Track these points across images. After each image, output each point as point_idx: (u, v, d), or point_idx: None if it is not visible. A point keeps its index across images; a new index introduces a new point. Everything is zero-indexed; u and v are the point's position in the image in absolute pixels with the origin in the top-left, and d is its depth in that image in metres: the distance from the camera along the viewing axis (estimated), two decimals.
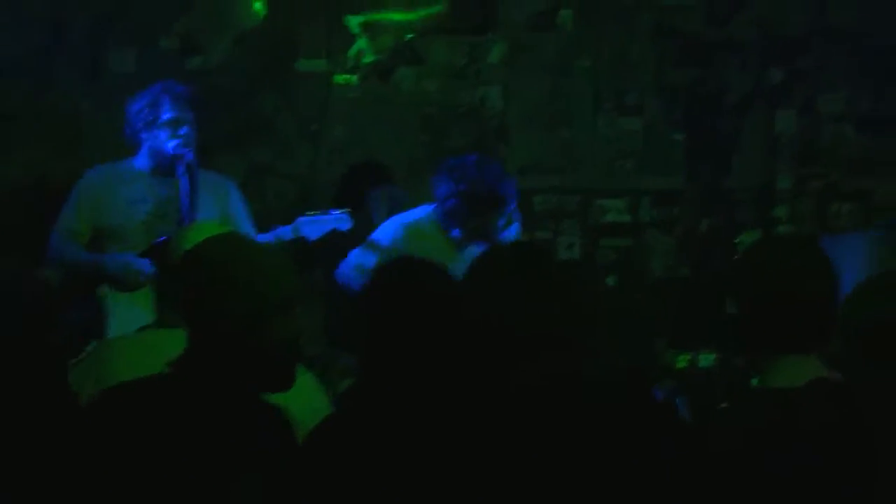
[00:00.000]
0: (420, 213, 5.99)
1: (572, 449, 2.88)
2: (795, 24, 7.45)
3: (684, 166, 7.48)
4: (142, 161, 5.93)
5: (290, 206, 7.05)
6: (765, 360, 3.09)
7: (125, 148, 6.07)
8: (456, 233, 5.81)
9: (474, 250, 5.73)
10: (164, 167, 5.86)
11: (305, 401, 3.38)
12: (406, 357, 3.03)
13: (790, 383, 3.00)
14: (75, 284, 5.80)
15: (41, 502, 3.12)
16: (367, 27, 7.18)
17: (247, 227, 6.06)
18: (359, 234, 6.27)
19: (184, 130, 5.79)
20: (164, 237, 5.15)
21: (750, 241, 7.22)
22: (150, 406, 3.00)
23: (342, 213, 5.99)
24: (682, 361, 6.83)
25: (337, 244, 6.28)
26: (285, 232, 5.94)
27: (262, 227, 6.12)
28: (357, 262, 5.96)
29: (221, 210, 6.01)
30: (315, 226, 5.94)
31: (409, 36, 7.25)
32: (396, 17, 7.15)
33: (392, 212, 6.65)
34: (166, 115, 5.79)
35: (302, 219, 5.96)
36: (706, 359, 6.75)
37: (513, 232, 5.89)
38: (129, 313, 5.55)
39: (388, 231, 5.98)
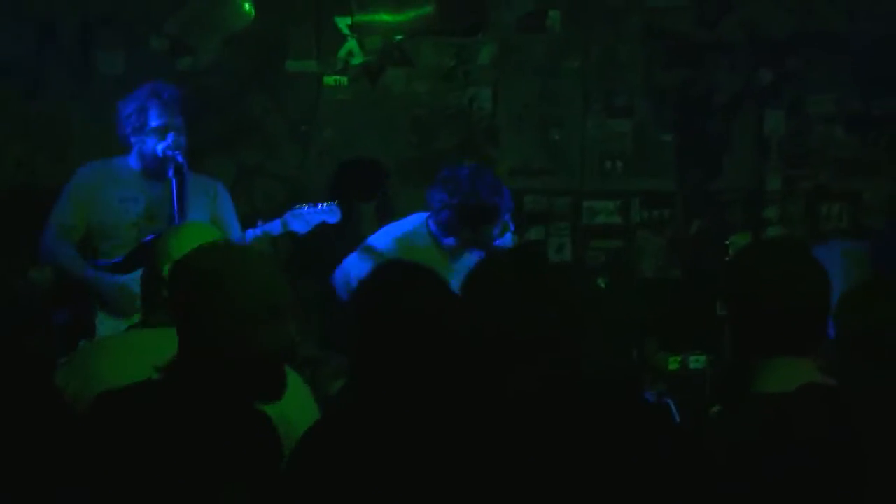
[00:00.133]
0: (414, 221, 6.00)
1: (567, 452, 2.87)
2: (784, 26, 7.46)
3: (674, 168, 7.49)
4: (134, 161, 5.94)
5: (279, 206, 7.04)
6: (757, 363, 3.09)
7: (114, 149, 6.07)
8: (450, 241, 5.82)
9: (468, 259, 5.75)
10: (154, 169, 5.86)
11: (295, 403, 3.37)
12: (397, 361, 3.02)
13: (782, 387, 3.01)
14: (68, 283, 5.82)
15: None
16: (356, 28, 7.18)
17: (234, 229, 6.08)
18: (348, 238, 6.29)
19: (171, 137, 5.78)
20: (151, 236, 5.17)
21: (740, 242, 7.26)
22: (139, 413, 3.00)
23: (330, 205, 5.99)
24: (673, 363, 6.83)
25: (330, 247, 6.30)
26: (275, 226, 5.94)
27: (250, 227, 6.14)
28: (350, 270, 5.96)
29: (210, 211, 6.03)
30: (304, 219, 5.94)
31: (399, 37, 7.25)
32: (386, 18, 7.15)
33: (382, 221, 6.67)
34: (154, 123, 5.80)
35: (291, 212, 5.95)
36: (697, 360, 6.76)
37: (507, 240, 5.90)
38: (109, 327, 5.59)
39: (382, 239, 5.98)
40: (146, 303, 3.84)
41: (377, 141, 7.30)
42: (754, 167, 7.52)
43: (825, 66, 7.47)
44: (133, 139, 5.87)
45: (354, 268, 5.95)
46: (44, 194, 6.36)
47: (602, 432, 2.90)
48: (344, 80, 7.23)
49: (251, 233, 5.93)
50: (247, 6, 7.14)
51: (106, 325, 5.68)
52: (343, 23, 7.18)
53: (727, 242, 7.30)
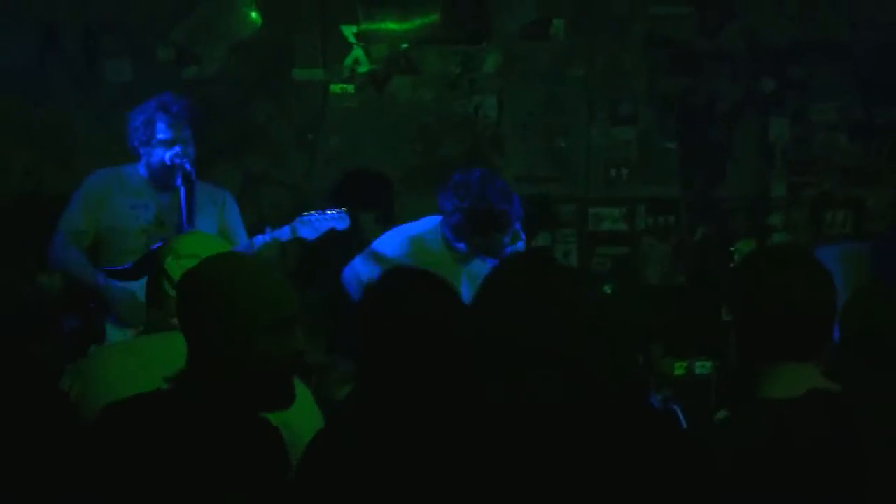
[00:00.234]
0: (426, 225, 6.00)
1: (574, 457, 2.87)
2: (786, 34, 7.48)
3: (679, 175, 7.51)
4: (143, 169, 5.96)
5: (285, 214, 7.05)
6: (762, 369, 3.10)
7: (120, 157, 6.09)
8: (460, 246, 5.82)
9: (480, 265, 5.76)
10: (163, 178, 5.88)
11: (297, 410, 3.38)
12: (402, 367, 3.03)
13: (787, 393, 3.02)
14: (77, 289, 5.83)
15: None
16: (362, 37, 7.19)
17: (242, 237, 6.10)
18: (351, 245, 6.29)
19: (178, 149, 5.79)
20: (160, 244, 5.17)
21: (745, 248, 7.27)
22: (147, 423, 3.01)
23: (339, 212, 6.00)
24: (678, 369, 6.84)
25: (335, 254, 6.30)
26: (284, 233, 5.96)
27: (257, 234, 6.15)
28: (359, 272, 5.96)
29: (218, 220, 6.06)
30: (313, 226, 5.96)
31: (405, 46, 7.26)
32: (392, 26, 7.15)
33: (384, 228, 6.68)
34: (161, 136, 5.81)
35: (300, 219, 5.97)
36: (703, 366, 6.77)
37: (519, 247, 5.90)
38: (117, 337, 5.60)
39: (393, 241, 5.98)
40: (149, 298, 3.84)
41: (383, 148, 7.31)
42: (758, 174, 7.53)
43: (828, 75, 7.48)
44: (141, 150, 5.90)
45: (362, 268, 5.95)
46: (50, 202, 6.39)
47: (608, 438, 2.89)
48: (350, 88, 7.25)
49: (260, 239, 5.94)
50: (253, 14, 7.15)
51: (114, 335, 5.69)
52: (349, 31, 7.19)
53: (732, 249, 7.32)
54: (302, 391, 3.66)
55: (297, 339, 3.08)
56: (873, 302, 3.32)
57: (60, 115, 7.10)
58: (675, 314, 7.20)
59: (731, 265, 7.09)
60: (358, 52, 7.22)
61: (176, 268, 3.67)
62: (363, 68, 7.24)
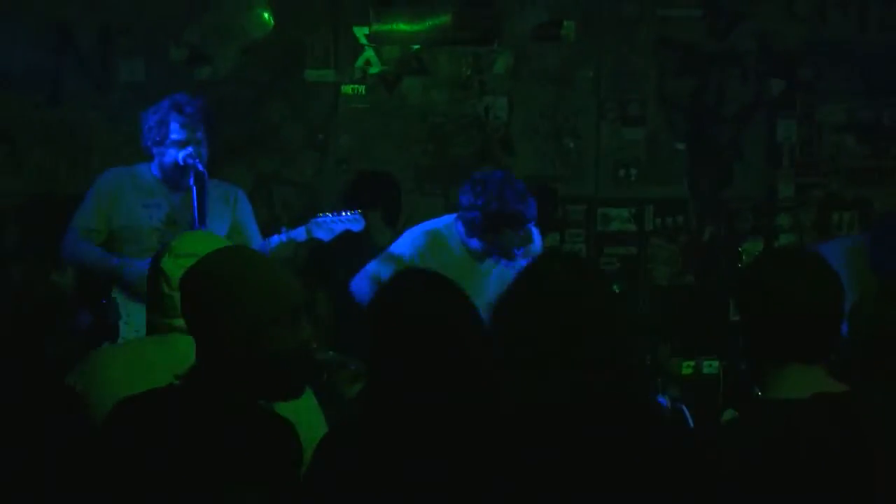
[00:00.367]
0: (445, 220, 6.03)
1: (585, 456, 2.88)
2: (795, 36, 7.52)
3: (687, 175, 7.54)
4: (155, 169, 5.94)
5: (297, 213, 7.08)
6: (770, 370, 3.11)
7: (134, 156, 6.09)
8: (474, 243, 5.84)
9: (491, 263, 5.79)
10: (175, 179, 5.86)
11: (295, 405, 3.35)
12: (411, 368, 3.00)
13: (795, 394, 3.02)
14: (90, 286, 5.81)
15: None
16: (374, 38, 7.21)
17: (255, 235, 6.09)
18: (359, 245, 6.31)
19: (191, 149, 5.77)
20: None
21: (753, 249, 7.28)
22: (160, 417, 3.02)
23: (354, 213, 6.04)
24: (686, 368, 6.84)
25: (349, 252, 6.32)
26: (299, 233, 5.97)
27: (270, 235, 6.16)
28: (374, 272, 5.98)
29: (231, 218, 6.04)
30: (327, 227, 5.97)
31: (416, 47, 7.28)
32: (403, 28, 7.17)
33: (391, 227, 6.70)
34: (174, 136, 5.79)
35: (315, 220, 5.99)
36: (710, 365, 6.77)
37: (537, 246, 5.93)
38: (140, 316, 5.57)
39: (409, 238, 6.00)
40: (148, 299, 3.79)
41: (394, 149, 7.34)
42: (766, 175, 7.57)
43: (836, 76, 7.52)
44: (154, 150, 5.87)
45: (377, 268, 5.97)
46: (65, 201, 6.38)
47: (617, 437, 2.90)
48: (361, 88, 7.28)
49: (276, 239, 5.96)
50: (266, 16, 7.17)
51: (134, 312, 5.66)
52: (361, 33, 7.22)
53: (739, 249, 7.33)
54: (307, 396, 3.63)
55: (304, 330, 3.08)
56: (882, 303, 3.30)
57: (75, 114, 7.11)
58: (682, 314, 7.22)
59: (740, 267, 7.10)
60: (369, 53, 7.25)
61: (173, 267, 3.65)
62: (374, 69, 7.28)
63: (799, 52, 7.52)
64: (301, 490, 3.03)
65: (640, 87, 7.50)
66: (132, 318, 5.58)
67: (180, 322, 3.54)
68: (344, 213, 6.01)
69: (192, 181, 5.73)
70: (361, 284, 6.00)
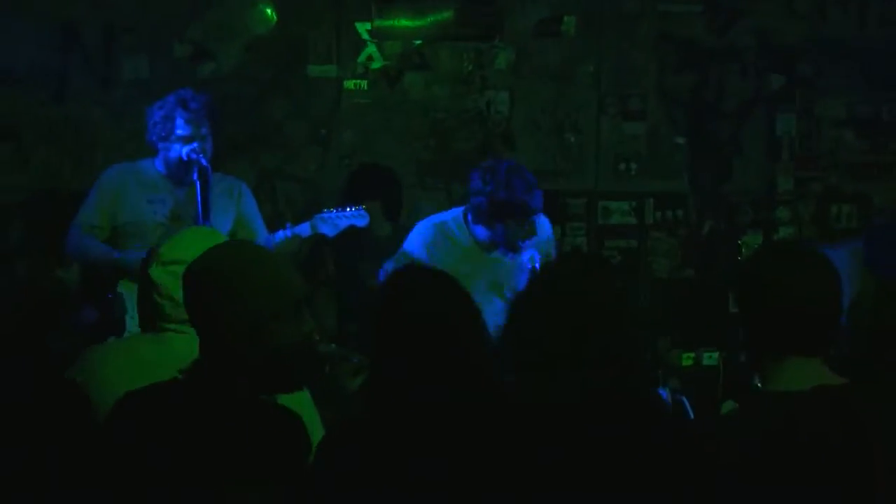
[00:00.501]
0: (451, 214, 6.02)
1: (585, 448, 2.91)
2: (794, 32, 7.55)
3: (687, 169, 7.57)
4: (159, 164, 5.95)
5: (299, 209, 7.13)
6: (769, 363, 3.12)
7: (138, 153, 6.09)
8: (481, 233, 5.85)
9: (498, 256, 5.81)
10: (179, 174, 5.88)
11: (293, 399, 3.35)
12: (409, 364, 3.02)
13: (793, 386, 3.04)
14: (95, 281, 5.81)
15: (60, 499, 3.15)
16: (376, 34, 7.23)
17: (261, 228, 6.11)
18: (360, 238, 6.33)
19: (196, 145, 5.78)
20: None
21: (752, 242, 7.30)
22: (165, 411, 3.04)
23: (358, 209, 6.06)
24: (686, 360, 6.85)
25: (350, 245, 6.33)
26: (303, 229, 5.97)
27: (274, 230, 6.18)
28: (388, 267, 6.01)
29: (235, 211, 6.05)
30: (332, 222, 5.99)
31: (418, 42, 7.30)
32: (405, 23, 7.19)
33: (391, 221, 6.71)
34: (179, 132, 5.79)
35: (319, 216, 6.01)
36: (710, 357, 6.78)
37: (546, 237, 5.96)
38: None
39: (416, 232, 6.00)
40: (139, 304, 3.78)
41: (396, 144, 7.36)
42: (765, 169, 7.60)
43: (835, 72, 7.55)
44: (159, 145, 5.88)
45: (392, 264, 5.99)
46: (69, 197, 6.39)
47: (619, 433, 2.92)
48: (364, 84, 7.30)
49: (280, 234, 5.98)
50: (269, 12, 7.18)
51: (133, 325, 5.67)
52: (363, 28, 7.23)
53: (739, 242, 7.37)
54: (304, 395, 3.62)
55: (307, 323, 3.10)
56: (881, 297, 3.30)
57: (79, 111, 7.13)
58: (682, 306, 7.23)
59: (739, 259, 7.12)
60: (371, 48, 7.27)
61: (163, 275, 3.66)
62: (377, 65, 7.30)
63: (798, 48, 7.55)
64: (305, 485, 3.03)
65: (641, 82, 7.52)
66: (130, 327, 5.60)
67: (174, 325, 3.59)
68: (348, 209, 6.03)
69: (195, 176, 5.74)
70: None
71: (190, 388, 3.07)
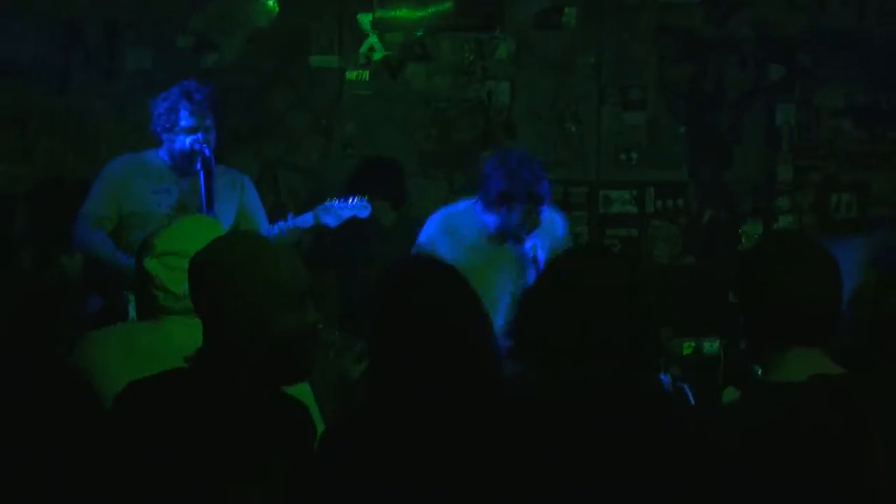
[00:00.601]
0: (462, 205, 6.05)
1: (595, 446, 2.90)
2: (793, 23, 7.56)
3: (687, 159, 7.59)
4: (165, 155, 5.98)
5: (302, 199, 7.15)
6: (769, 354, 3.13)
7: (142, 144, 6.12)
8: (488, 220, 5.87)
9: (506, 248, 5.83)
10: (184, 165, 5.91)
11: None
12: (409, 356, 3.00)
13: (793, 377, 3.04)
14: (100, 270, 5.86)
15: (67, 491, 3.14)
16: (377, 25, 7.24)
17: (262, 221, 6.14)
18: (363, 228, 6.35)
19: (200, 136, 5.82)
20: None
21: (752, 230, 7.32)
22: (171, 400, 3.04)
23: (361, 200, 6.09)
24: (687, 348, 6.86)
25: (354, 235, 6.35)
26: (306, 219, 6.03)
27: (276, 220, 6.19)
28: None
29: (238, 204, 6.09)
30: (335, 213, 6.03)
31: (419, 33, 7.31)
32: (406, 14, 7.20)
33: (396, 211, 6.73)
34: (183, 123, 5.84)
35: (322, 206, 6.05)
36: (711, 345, 6.79)
37: (561, 230, 5.99)
38: None
39: (428, 223, 6.04)
40: (136, 294, 3.80)
41: (397, 134, 7.37)
42: (765, 158, 7.62)
43: (834, 62, 7.56)
44: (164, 137, 5.92)
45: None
46: (73, 186, 6.44)
47: (624, 426, 2.92)
48: (365, 74, 7.30)
49: (282, 224, 6.01)
50: (271, 3, 7.20)
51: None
52: (365, 19, 7.25)
53: (739, 231, 7.39)
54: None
55: (310, 314, 3.11)
56: (883, 288, 3.30)
57: (83, 102, 7.13)
58: (683, 294, 7.25)
59: (739, 254, 7.13)
60: (373, 39, 7.27)
61: (157, 267, 3.68)
62: (378, 55, 7.30)
63: (798, 38, 7.57)
64: (308, 476, 3.04)
65: (641, 72, 7.54)
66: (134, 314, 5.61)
67: (171, 316, 3.62)
68: (351, 200, 6.06)
69: (198, 166, 5.78)
70: None
71: (194, 378, 3.08)
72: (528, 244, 5.75)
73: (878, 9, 7.56)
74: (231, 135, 6.60)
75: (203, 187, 5.76)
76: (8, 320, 3.59)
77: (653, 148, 7.56)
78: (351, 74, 7.30)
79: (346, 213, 6.05)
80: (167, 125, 5.87)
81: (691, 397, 5.14)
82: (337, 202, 6.04)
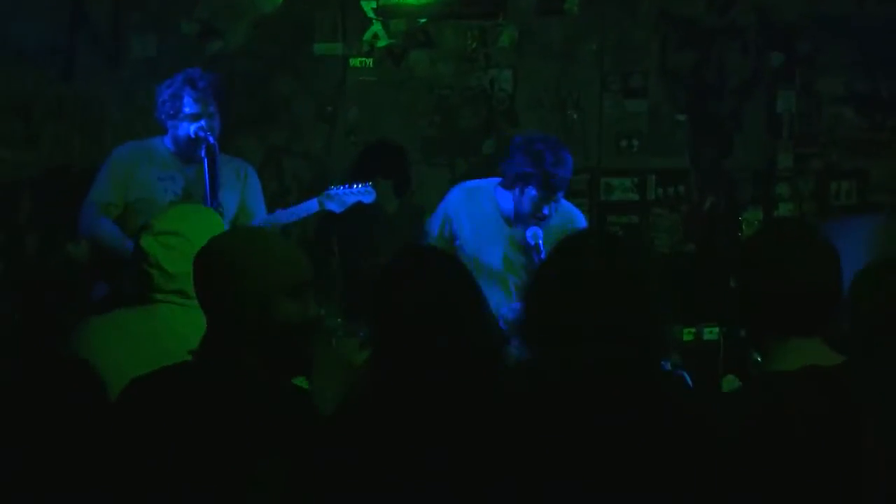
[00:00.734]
0: (486, 182, 6.12)
1: (595, 437, 2.89)
2: (794, 10, 7.57)
3: (688, 146, 7.61)
4: (169, 142, 6.00)
5: (306, 185, 7.19)
6: (770, 343, 3.14)
7: (147, 130, 6.16)
8: (503, 200, 5.90)
9: (520, 231, 5.86)
10: (188, 152, 5.94)
11: None
12: (408, 346, 3.01)
13: (794, 367, 3.05)
14: (105, 257, 5.87)
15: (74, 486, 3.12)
16: (381, 12, 7.25)
17: (260, 212, 6.16)
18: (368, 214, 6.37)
19: (203, 123, 5.85)
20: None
21: (752, 218, 7.34)
22: (177, 393, 3.07)
23: (365, 185, 6.12)
24: (687, 335, 6.87)
25: (358, 221, 6.37)
26: (311, 205, 6.07)
27: (282, 206, 6.21)
28: (426, 229, 6.13)
29: (240, 193, 6.12)
30: (339, 199, 6.07)
31: (422, 21, 7.33)
32: (410, 2, 7.20)
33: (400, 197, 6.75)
34: (187, 110, 5.86)
35: (327, 192, 6.08)
36: (711, 332, 6.80)
37: (579, 221, 6.07)
38: None
39: (449, 193, 6.13)
40: (131, 274, 3.82)
41: (401, 121, 7.38)
42: (766, 146, 7.64)
43: (835, 50, 7.57)
44: (168, 124, 5.94)
45: (429, 224, 6.10)
46: (79, 173, 6.48)
47: (623, 412, 2.90)
48: (369, 62, 7.32)
49: (284, 213, 6.05)
50: None
51: None
52: (368, 6, 7.26)
53: (739, 218, 7.41)
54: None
55: (311, 306, 3.13)
56: (883, 276, 3.31)
57: (88, 89, 7.14)
58: (684, 281, 7.26)
59: (740, 237, 7.16)
60: (377, 26, 7.29)
61: (153, 244, 3.71)
62: (382, 43, 7.32)
63: (798, 25, 7.57)
64: (314, 461, 3.04)
65: (642, 60, 7.55)
66: None
67: (162, 296, 3.65)
68: (356, 186, 6.09)
69: (203, 153, 5.80)
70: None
71: (202, 370, 3.11)
72: (529, 231, 5.78)
73: None
74: (236, 121, 6.61)
75: (207, 174, 5.77)
76: (14, 308, 3.63)
77: (654, 135, 7.57)
78: (355, 62, 7.31)
79: (351, 199, 6.07)
80: (171, 112, 5.90)
81: (690, 384, 5.14)
82: (341, 188, 6.07)
